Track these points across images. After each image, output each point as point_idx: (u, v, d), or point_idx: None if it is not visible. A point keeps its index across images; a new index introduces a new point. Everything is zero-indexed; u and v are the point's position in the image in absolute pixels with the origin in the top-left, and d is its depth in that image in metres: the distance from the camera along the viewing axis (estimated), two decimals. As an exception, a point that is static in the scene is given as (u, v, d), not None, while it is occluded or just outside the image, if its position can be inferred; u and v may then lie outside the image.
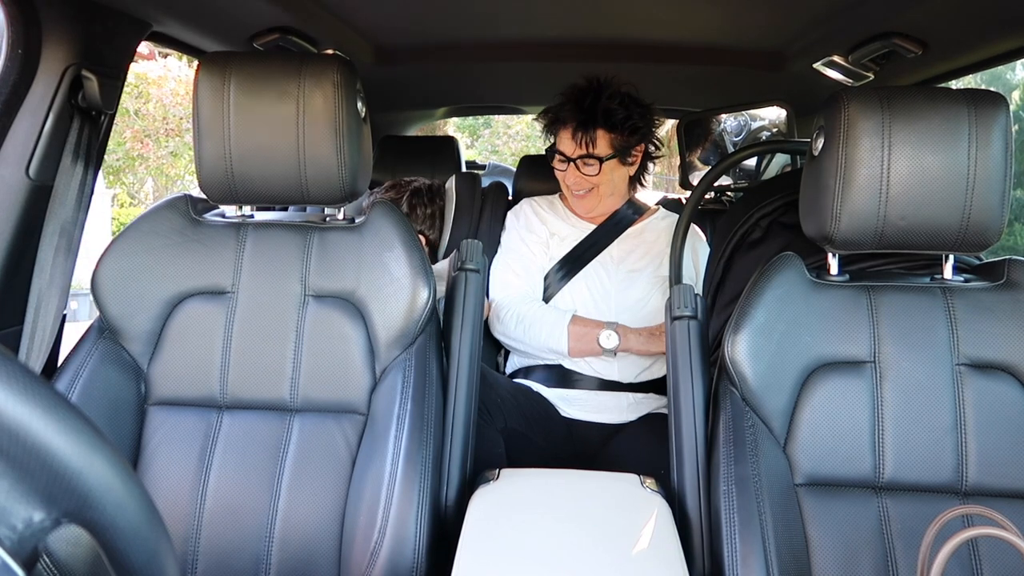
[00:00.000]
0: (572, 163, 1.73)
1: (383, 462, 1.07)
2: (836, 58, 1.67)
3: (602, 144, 1.71)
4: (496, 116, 10.71)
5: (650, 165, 1.89)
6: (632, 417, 1.70)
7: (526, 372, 1.79)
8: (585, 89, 1.71)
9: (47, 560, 0.36)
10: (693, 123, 2.39)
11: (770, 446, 1.03)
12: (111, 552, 0.39)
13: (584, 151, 1.71)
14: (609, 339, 1.66)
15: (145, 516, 0.40)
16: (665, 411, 1.46)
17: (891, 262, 1.19)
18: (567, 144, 1.74)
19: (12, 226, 1.18)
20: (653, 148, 1.82)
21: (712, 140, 2.39)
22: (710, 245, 1.81)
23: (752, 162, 2.35)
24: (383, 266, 1.16)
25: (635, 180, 1.88)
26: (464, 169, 2.94)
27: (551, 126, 1.79)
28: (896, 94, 1.01)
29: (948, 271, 1.10)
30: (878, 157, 0.99)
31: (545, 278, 1.79)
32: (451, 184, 2.28)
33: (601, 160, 1.71)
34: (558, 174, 1.81)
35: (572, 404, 1.71)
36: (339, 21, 1.66)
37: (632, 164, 1.79)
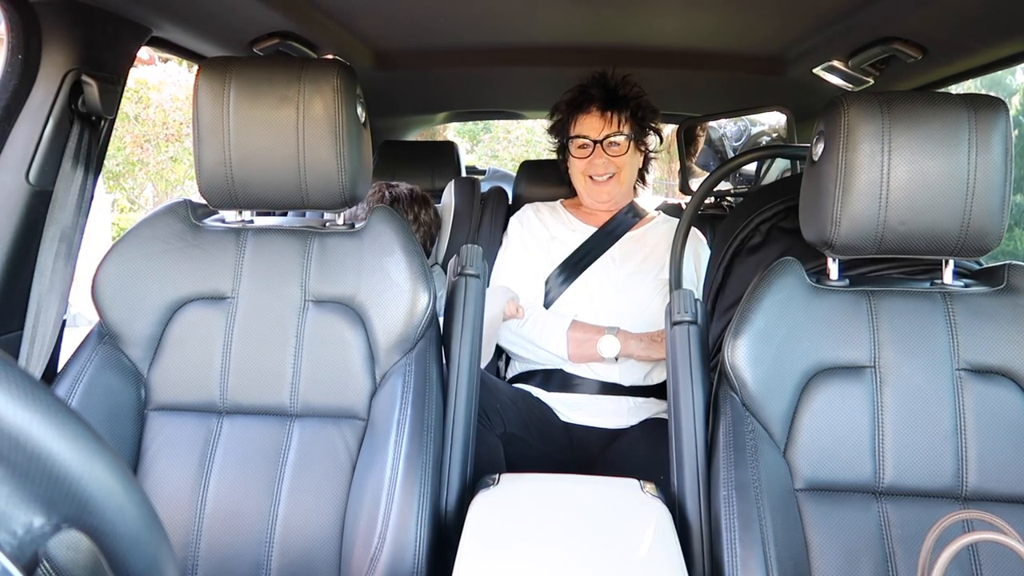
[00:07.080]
0: (598, 144, 1.75)
1: (383, 467, 1.06)
2: (836, 63, 1.67)
3: (626, 125, 1.75)
4: (496, 121, 10.70)
5: (650, 167, 1.92)
6: (632, 422, 1.69)
7: (527, 376, 1.79)
8: (605, 75, 1.77)
9: (47, 565, 0.36)
10: (693, 128, 2.40)
11: (770, 451, 1.03)
12: (111, 557, 0.39)
13: (613, 129, 1.74)
14: (609, 347, 1.66)
15: (145, 521, 0.40)
16: (665, 416, 1.46)
17: (891, 267, 1.19)
18: (592, 125, 1.76)
19: (12, 231, 1.18)
20: (655, 137, 1.87)
21: (712, 145, 2.40)
22: (711, 248, 1.82)
23: (752, 167, 2.35)
24: (383, 271, 1.16)
25: (637, 180, 1.90)
26: (464, 174, 2.94)
27: (571, 111, 1.80)
28: (896, 99, 1.01)
29: (948, 276, 1.09)
30: (878, 162, 0.99)
31: (546, 282, 1.79)
32: (449, 189, 2.28)
33: (629, 139, 1.74)
34: (576, 164, 1.81)
35: (572, 408, 1.71)
36: (339, 26, 1.66)
37: (641, 155, 1.83)
